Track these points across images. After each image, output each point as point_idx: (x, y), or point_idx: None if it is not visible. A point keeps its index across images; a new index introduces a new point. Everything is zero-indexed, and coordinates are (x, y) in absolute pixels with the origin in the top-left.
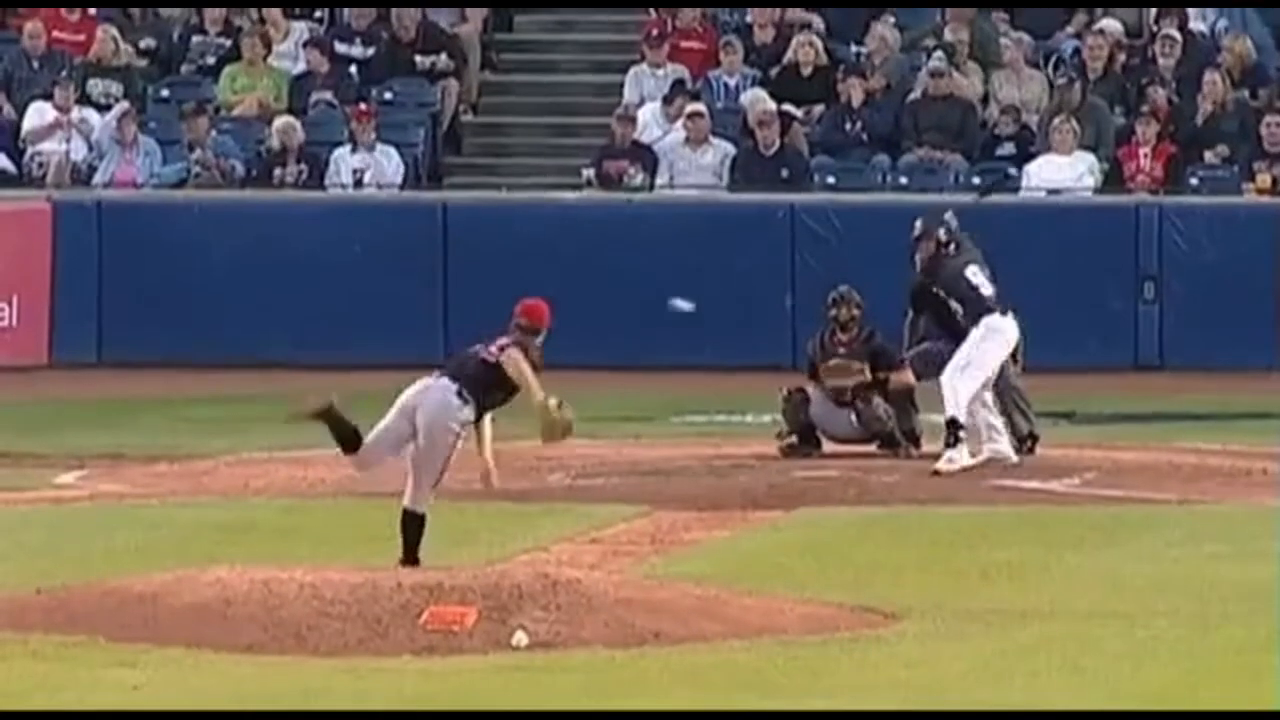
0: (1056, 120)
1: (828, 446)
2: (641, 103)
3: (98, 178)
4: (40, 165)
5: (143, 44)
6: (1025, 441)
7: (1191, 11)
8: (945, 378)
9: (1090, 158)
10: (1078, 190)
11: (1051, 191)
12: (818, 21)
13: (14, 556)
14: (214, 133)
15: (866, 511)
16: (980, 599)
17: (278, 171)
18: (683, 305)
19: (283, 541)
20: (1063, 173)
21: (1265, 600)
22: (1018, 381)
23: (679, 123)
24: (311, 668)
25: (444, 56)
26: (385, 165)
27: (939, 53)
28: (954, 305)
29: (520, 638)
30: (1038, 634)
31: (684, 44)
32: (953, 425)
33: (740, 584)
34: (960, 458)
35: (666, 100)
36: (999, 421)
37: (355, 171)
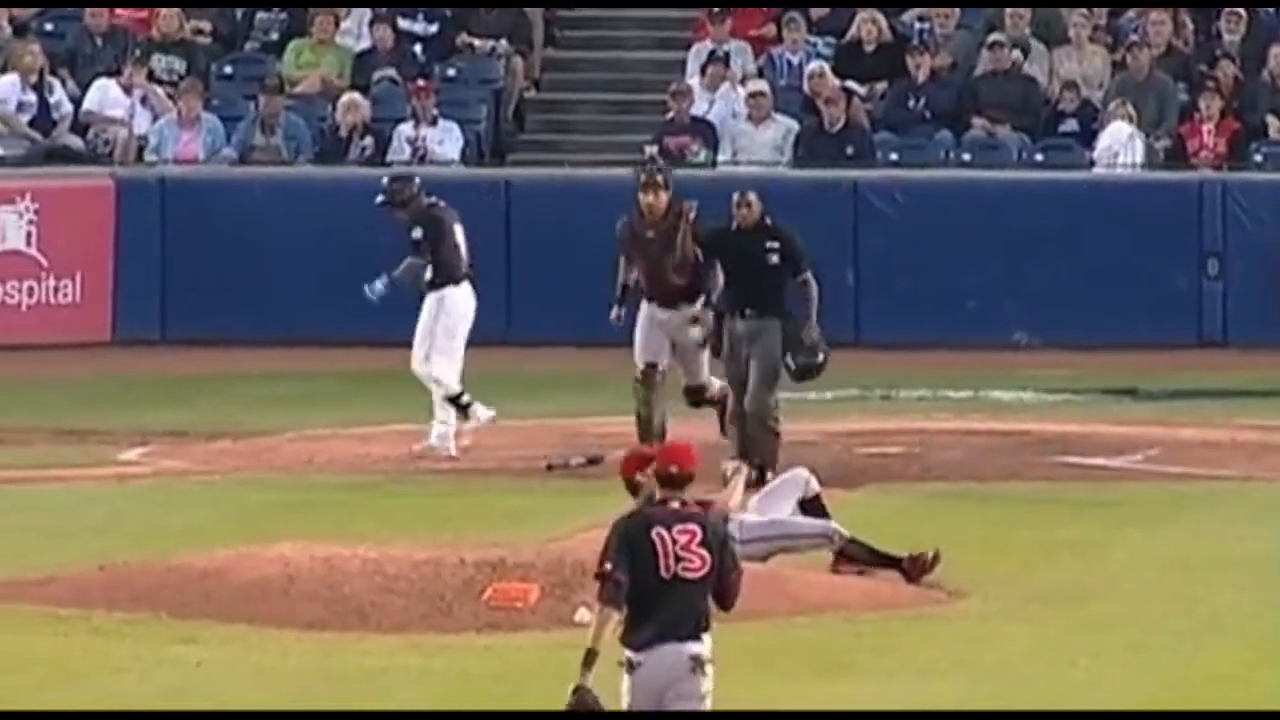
0: (1113, 105)
1: None
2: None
3: (161, 154)
4: (105, 142)
5: (205, 21)
6: None
7: None
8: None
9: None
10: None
11: (1108, 166)
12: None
13: (77, 533)
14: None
15: (929, 488)
16: (1043, 577)
17: (342, 148)
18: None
19: (345, 518)
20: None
21: None
22: None
23: (719, 92)
24: (374, 645)
25: (504, 42)
26: (446, 141)
27: (998, 33)
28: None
29: (583, 614)
30: (1100, 613)
31: (746, 21)
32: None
33: (803, 561)
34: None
35: (703, 71)
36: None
37: (410, 140)
